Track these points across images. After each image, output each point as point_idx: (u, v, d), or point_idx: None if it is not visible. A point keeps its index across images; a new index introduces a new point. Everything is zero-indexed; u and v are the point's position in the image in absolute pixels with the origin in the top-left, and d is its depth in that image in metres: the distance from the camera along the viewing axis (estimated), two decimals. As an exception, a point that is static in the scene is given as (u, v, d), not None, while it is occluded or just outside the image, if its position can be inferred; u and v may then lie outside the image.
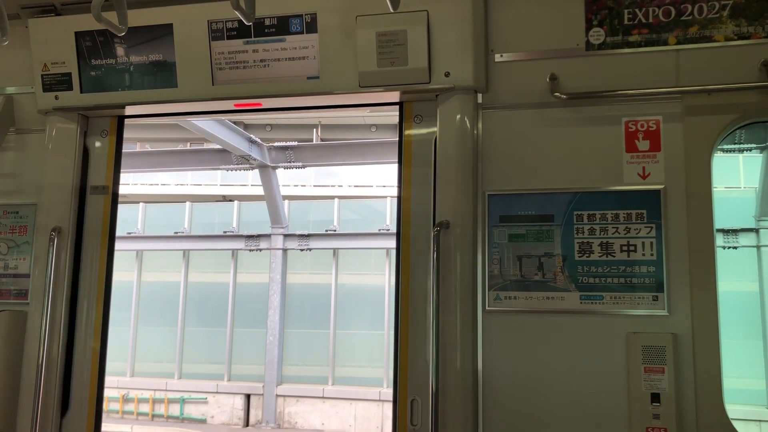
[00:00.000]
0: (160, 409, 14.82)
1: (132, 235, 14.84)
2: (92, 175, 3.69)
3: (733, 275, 10.64)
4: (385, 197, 14.36)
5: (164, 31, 3.45)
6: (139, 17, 3.45)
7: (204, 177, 18.08)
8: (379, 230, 13.48)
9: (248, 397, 14.39)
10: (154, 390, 14.73)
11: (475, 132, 3.21)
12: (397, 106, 3.37)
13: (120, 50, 3.52)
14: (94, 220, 3.64)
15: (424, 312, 3.11)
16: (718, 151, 3.11)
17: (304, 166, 12.65)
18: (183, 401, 14.78)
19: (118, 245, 3.72)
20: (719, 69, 2.99)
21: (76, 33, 3.55)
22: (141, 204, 15.10)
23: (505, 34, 3.24)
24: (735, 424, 2.85)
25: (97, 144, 3.73)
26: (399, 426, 3.11)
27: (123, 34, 2.97)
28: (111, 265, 3.64)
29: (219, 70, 3.42)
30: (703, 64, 3.02)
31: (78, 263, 3.61)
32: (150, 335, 15.22)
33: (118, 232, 3.65)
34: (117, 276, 3.71)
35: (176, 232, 14.84)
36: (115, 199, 3.68)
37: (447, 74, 3.17)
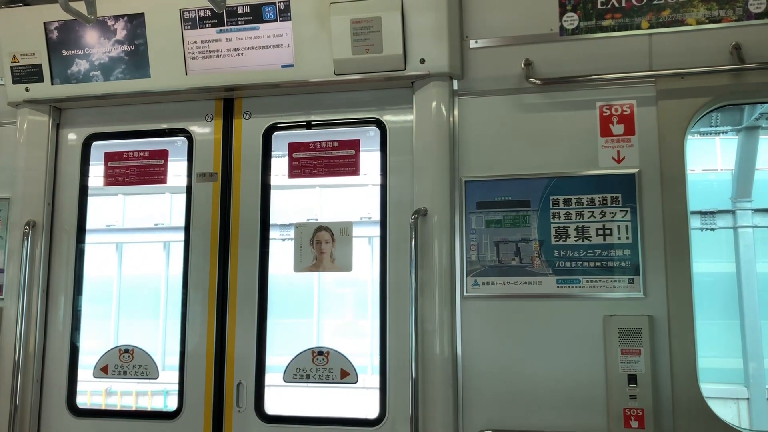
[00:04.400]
0: (144, 402, 14.74)
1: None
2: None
3: (711, 256, 10.76)
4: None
5: (136, 20, 3.41)
6: (111, 6, 3.41)
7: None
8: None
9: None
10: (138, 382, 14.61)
11: (452, 119, 3.21)
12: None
13: (91, 40, 3.47)
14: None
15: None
16: (695, 134, 3.14)
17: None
18: (167, 394, 14.72)
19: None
20: (691, 53, 3.02)
21: (45, 23, 3.49)
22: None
23: (479, 19, 3.23)
24: (712, 402, 2.90)
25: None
26: None
27: (91, 23, 2.92)
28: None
29: (192, 59, 3.38)
30: (676, 47, 3.04)
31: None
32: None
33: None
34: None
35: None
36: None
37: (422, 61, 3.16)
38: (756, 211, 10.44)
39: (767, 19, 2.94)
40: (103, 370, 3.50)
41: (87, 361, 3.60)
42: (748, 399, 10.13)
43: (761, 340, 10.12)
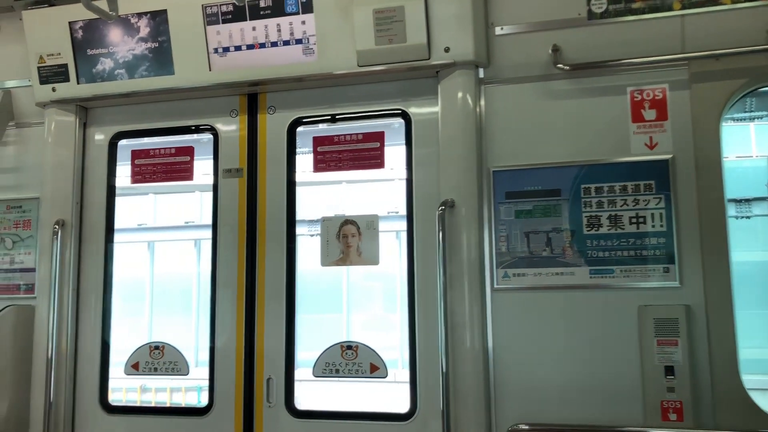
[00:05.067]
0: (178, 398, 14.89)
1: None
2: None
3: (747, 245, 10.52)
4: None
5: (159, 17, 3.41)
6: (133, 4, 3.42)
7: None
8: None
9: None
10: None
11: (478, 108, 3.15)
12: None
13: (115, 38, 3.48)
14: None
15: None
16: (729, 120, 3.05)
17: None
18: (200, 390, 14.86)
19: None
20: (726, 33, 2.92)
21: (69, 23, 3.51)
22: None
23: (505, 5, 3.17)
24: (754, 394, 2.81)
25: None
26: None
27: (113, 20, 2.93)
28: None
29: (215, 55, 3.37)
30: (709, 28, 2.94)
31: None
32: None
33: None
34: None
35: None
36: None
37: (447, 50, 3.11)
38: (794, 197, 10.18)
39: (806, -5, 2.84)
40: (134, 367, 3.53)
41: (122, 358, 3.64)
42: (790, 390, 9.90)
43: (802, 329, 9.88)
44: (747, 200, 10.45)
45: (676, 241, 2.89)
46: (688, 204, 2.90)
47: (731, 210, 10.13)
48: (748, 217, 10.57)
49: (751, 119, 10.50)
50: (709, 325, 2.82)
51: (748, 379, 2.88)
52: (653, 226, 2.92)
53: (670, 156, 2.93)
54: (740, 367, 2.80)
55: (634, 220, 2.94)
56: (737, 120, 10.53)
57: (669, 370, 2.81)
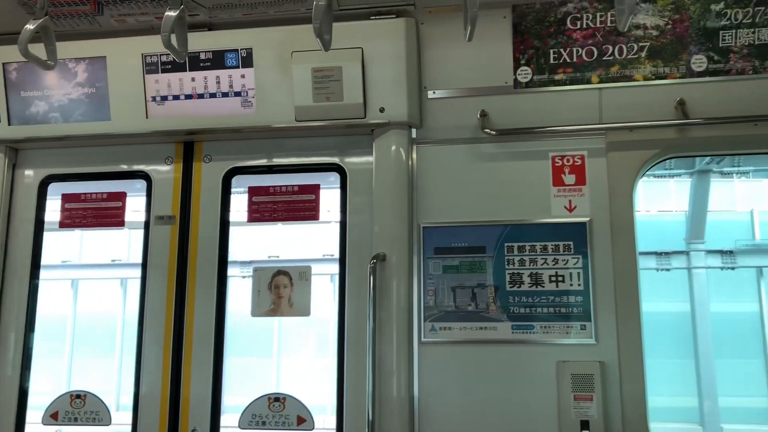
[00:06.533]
0: (97, 442, 14.19)
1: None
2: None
3: (666, 296, 10.96)
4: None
5: (97, 63, 3.42)
6: (72, 49, 3.42)
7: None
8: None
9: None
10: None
11: (410, 165, 3.27)
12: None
13: (51, 82, 3.47)
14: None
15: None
16: (651, 177, 3.26)
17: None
18: (120, 434, 14.22)
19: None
20: (639, 107, 3.14)
21: (3, 64, 3.48)
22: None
23: (437, 71, 3.33)
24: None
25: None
26: None
27: (51, 70, 2.93)
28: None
29: (153, 103, 3.40)
30: (624, 101, 3.16)
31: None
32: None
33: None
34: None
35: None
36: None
37: (382, 110, 3.23)
38: (709, 252, 10.71)
39: (708, 77, 3.09)
40: (53, 416, 3.42)
41: (39, 401, 3.52)
42: (703, 438, 10.26)
43: (715, 378, 10.29)
44: (666, 253, 10.95)
45: (592, 299, 3.05)
46: (604, 264, 3.07)
47: (652, 262, 10.59)
48: (667, 269, 11.06)
49: (671, 176, 11.10)
50: (622, 381, 2.97)
51: (662, 428, 3.04)
52: (571, 285, 3.07)
53: (587, 218, 3.11)
54: (650, 417, 2.95)
55: (553, 279, 3.09)
56: (658, 176, 11.10)
57: (584, 425, 2.93)
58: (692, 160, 9.87)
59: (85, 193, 3.62)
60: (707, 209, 10.37)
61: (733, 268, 10.71)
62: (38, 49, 2.86)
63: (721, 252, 10.65)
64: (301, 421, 3.23)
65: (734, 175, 10.17)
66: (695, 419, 10.36)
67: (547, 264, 3.11)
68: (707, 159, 9.64)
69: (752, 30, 3.08)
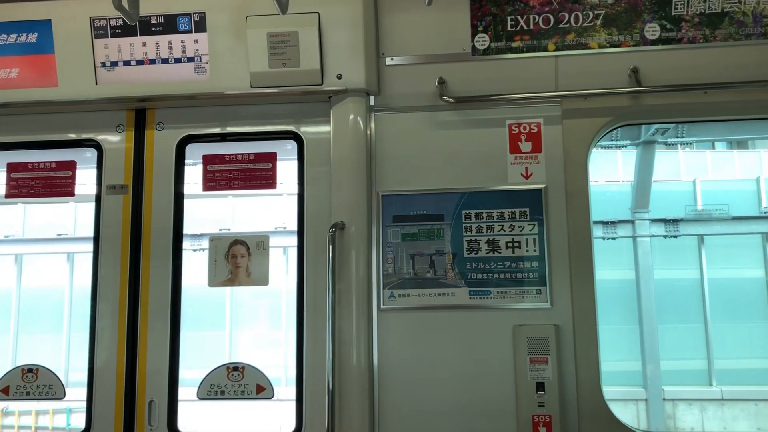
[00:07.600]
0: (45, 421, 14.01)
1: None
2: None
3: (612, 264, 11.26)
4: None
5: (42, 27, 3.28)
6: (15, 11, 3.27)
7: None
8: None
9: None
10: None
11: (368, 133, 3.26)
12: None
13: (-8, 46, 3.32)
14: None
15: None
16: (599, 147, 3.31)
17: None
18: (70, 411, 14.06)
19: None
20: (594, 75, 3.19)
21: (-58, 26, 3.32)
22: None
23: (395, 38, 3.31)
24: (613, 404, 3.07)
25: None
26: None
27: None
28: None
29: (103, 69, 3.29)
30: (580, 69, 3.21)
31: None
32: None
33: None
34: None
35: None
36: None
37: (339, 76, 3.20)
38: (653, 221, 11.04)
39: (661, 45, 3.16)
40: (3, 391, 3.33)
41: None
42: (646, 400, 10.69)
43: (658, 343, 10.69)
44: (613, 222, 11.25)
45: (547, 265, 3.11)
46: (559, 230, 3.13)
47: (598, 231, 10.86)
48: (613, 239, 11.38)
49: (618, 147, 11.35)
50: (576, 344, 3.05)
51: (609, 390, 3.15)
52: (527, 251, 3.13)
53: (543, 185, 3.16)
54: (602, 381, 3.05)
55: (510, 245, 3.14)
56: (605, 147, 11.34)
57: (540, 386, 3.01)
58: (638, 131, 10.10)
59: (33, 162, 3.50)
60: (652, 179, 10.67)
61: (676, 236, 11.07)
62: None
63: (665, 221, 10.99)
64: (260, 389, 3.23)
65: (678, 146, 10.46)
66: (639, 382, 10.77)
67: (504, 230, 3.15)
68: (652, 130, 9.87)
69: None
